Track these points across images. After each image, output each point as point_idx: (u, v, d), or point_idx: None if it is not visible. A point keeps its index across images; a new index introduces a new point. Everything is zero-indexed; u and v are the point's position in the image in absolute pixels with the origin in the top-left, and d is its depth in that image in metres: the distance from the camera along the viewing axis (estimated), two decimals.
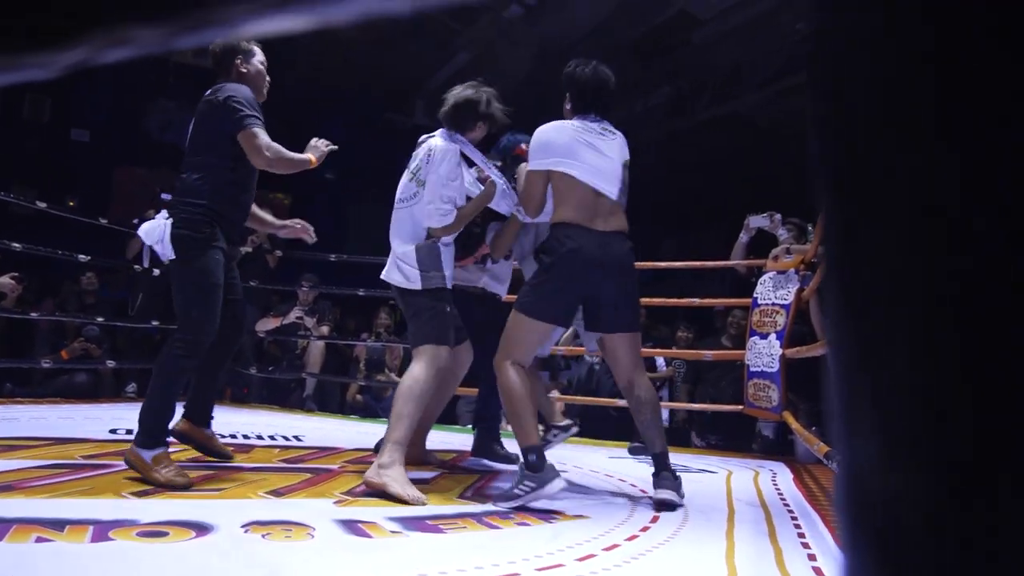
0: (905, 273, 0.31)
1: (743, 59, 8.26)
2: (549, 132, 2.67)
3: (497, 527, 2.03)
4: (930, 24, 0.30)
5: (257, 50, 2.85)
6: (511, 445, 3.16)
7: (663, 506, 2.48)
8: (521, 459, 2.44)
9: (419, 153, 2.89)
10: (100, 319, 5.41)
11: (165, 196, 6.07)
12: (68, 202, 7.94)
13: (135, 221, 5.90)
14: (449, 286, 2.80)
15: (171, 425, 2.62)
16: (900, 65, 0.31)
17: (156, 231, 2.58)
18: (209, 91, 2.68)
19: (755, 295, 4.43)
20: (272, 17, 0.34)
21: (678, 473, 2.62)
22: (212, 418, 2.96)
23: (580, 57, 2.92)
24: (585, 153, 2.62)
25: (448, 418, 6.06)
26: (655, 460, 2.62)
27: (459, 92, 2.91)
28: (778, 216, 4.42)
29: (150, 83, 9.16)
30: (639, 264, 6.24)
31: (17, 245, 4.59)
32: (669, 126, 9.35)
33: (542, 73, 8.97)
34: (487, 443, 3.61)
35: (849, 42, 0.33)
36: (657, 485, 2.55)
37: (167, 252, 2.56)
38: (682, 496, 2.54)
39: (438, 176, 2.74)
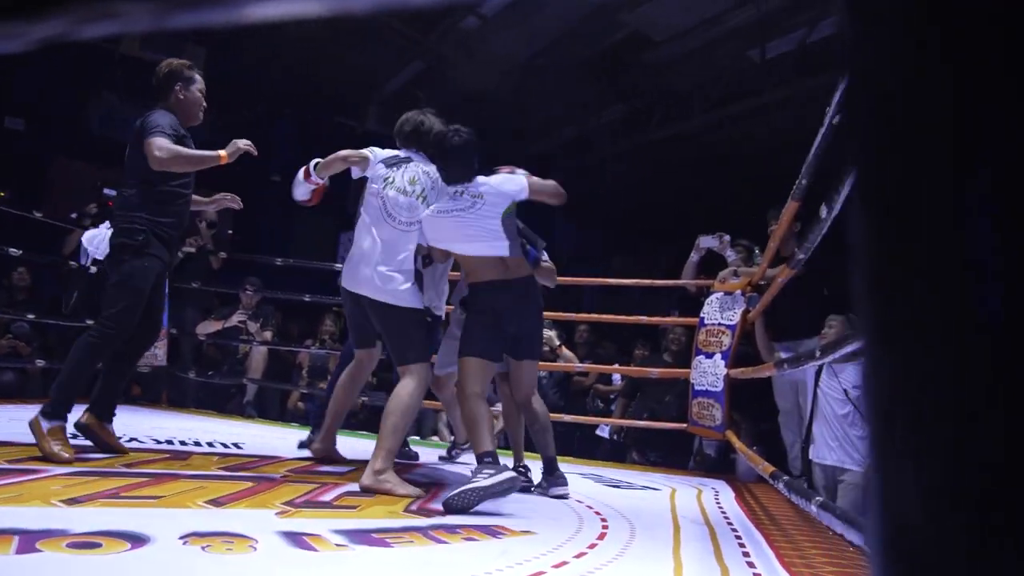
0: (934, 275, 0.31)
1: (696, 81, 8.42)
2: (434, 222, 2.96)
3: (444, 542, 1.99)
4: (954, 24, 0.29)
5: (198, 77, 3.14)
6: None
7: (559, 497, 3.01)
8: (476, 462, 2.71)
9: (415, 176, 3.06)
10: (31, 316, 5.17)
11: (109, 192, 5.84)
12: None
13: (73, 215, 5.69)
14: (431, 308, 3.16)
15: (78, 418, 3.01)
16: (930, 67, 0.31)
17: (97, 238, 3.00)
18: (138, 120, 3.04)
19: (702, 315, 4.50)
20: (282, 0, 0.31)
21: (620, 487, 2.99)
22: (115, 415, 3.20)
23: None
24: (464, 235, 2.90)
25: None
26: (547, 463, 3.14)
27: (427, 120, 3.18)
28: (727, 237, 4.50)
29: (93, 74, 8.84)
30: (591, 280, 6.30)
31: None
32: (622, 144, 9.46)
33: (496, 86, 9.00)
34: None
35: (879, 48, 0.33)
36: (553, 484, 3.07)
37: (101, 251, 2.97)
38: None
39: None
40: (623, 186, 10.27)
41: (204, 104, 3.17)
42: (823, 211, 1.76)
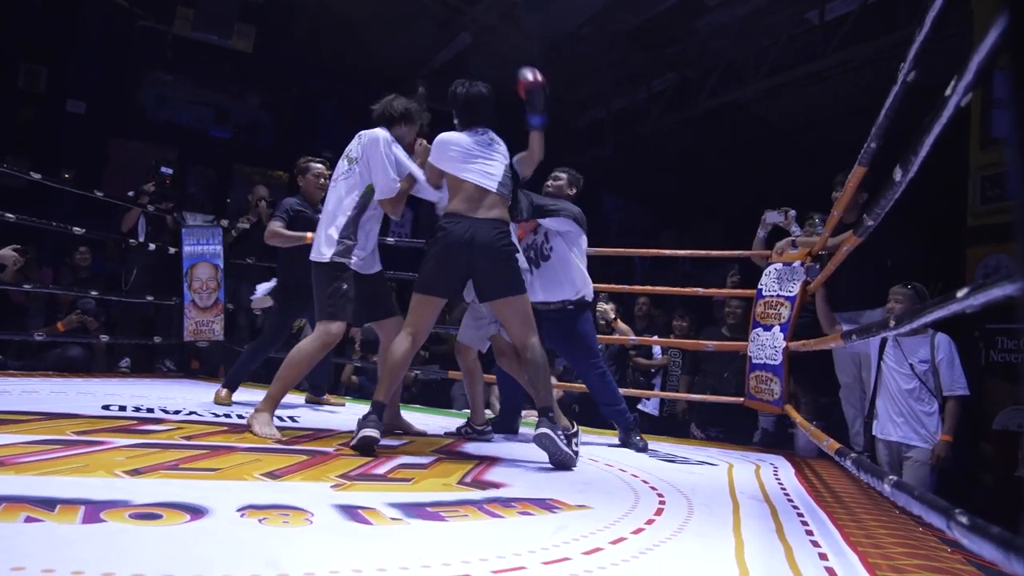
0: None
1: (750, 47, 8.15)
2: (449, 139, 3.16)
3: (499, 516, 1.97)
4: None
5: (312, 166, 4.37)
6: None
7: (543, 439, 2.84)
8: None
9: (353, 141, 3.35)
10: (94, 293, 5.31)
11: (165, 170, 5.95)
12: (63, 174, 7.80)
13: (131, 193, 5.81)
14: (355, 268, 3.20)
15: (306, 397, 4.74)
16: None
17: (267, 286, 4.50)
18: None
19: (760, 286, 4.38)
20: None
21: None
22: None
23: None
24: (474, 161, 3.09)
25: (443, 402, 6.02)
26: (540, 412, 2.96)
27: (395, 101, 3.40)
28: (792, 212, 4.35)
29: (147, 56, 9.00)
30: (641, 251, 6.17)
31: (11, 216, 4.49)
32: (673, 115, 9.23)
33: (543, 57, 8.86)
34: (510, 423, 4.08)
35: None
36: (538, 426, 2.88)
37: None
38: (561, 438, 2.88)
39: (380, 155, 3.16)
40: (673, 158, 10.06)
41: (320, 183, 4.28)
42: (897, 173, 1.66)
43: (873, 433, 3.80)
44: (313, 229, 3.85)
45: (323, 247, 3.21)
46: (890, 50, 6.60)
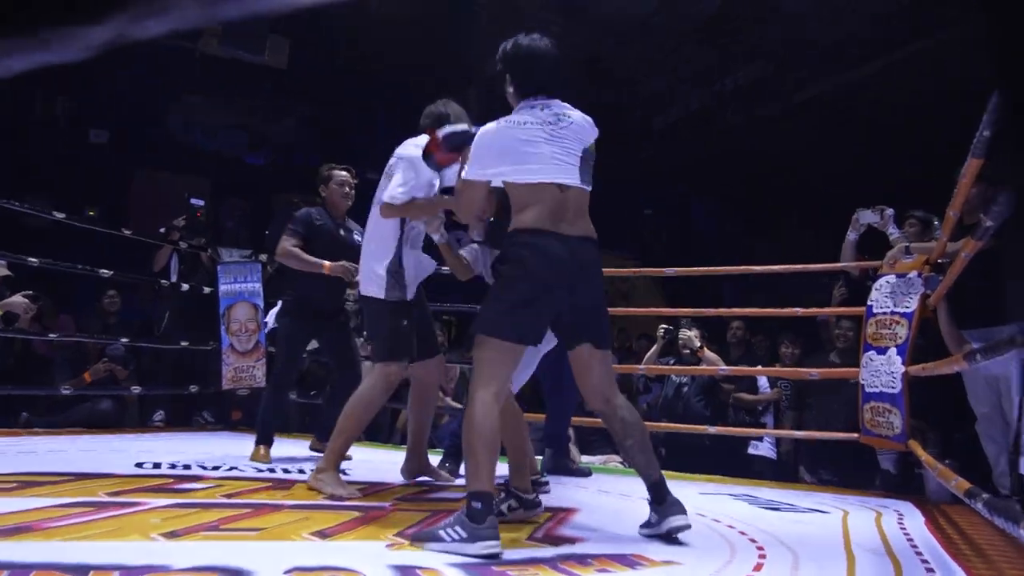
0: None
1: (843, 29, 8.01)
2: (491, 137, 2.57)
3: (574, 574, 1.99)
4: None
5: (335, 174, 4.24)
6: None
7: (676, 532, 2.47)
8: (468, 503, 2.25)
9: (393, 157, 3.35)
10: (124, 340, 5.49)
11: (196, 202, 6.14)
12: (87, 212, 8.03)
13: (161, 230, 6.02)
14: (410, 298, 3.26)
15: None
16: None
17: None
18: None
19: (870, 302, 4.28)
20: None
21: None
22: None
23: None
24: (539, 149, 2.51)
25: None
26: (654, 489, 2.55)
27: (450, 108, 3.33)
28: (889, 211, 4.25)
29: (174, 77, 9.19)
30: (732, 269, 6.10)
31: (34, 260, 4.69)
32: (754, 113, 9.13)
33: (609, 52, 8.92)
34: (559, 460, 4.10)
35: None
36: (667, 513, 2.49)
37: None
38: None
39: (406, 164, 3.19)
40: (759, 158, 9.93)
41: (345, 192, 4.21)
42: None
43: (1021, 472, 3.66)
44: (337, 246, 4.03)
45: (374, 282, 3.23)
46: None
